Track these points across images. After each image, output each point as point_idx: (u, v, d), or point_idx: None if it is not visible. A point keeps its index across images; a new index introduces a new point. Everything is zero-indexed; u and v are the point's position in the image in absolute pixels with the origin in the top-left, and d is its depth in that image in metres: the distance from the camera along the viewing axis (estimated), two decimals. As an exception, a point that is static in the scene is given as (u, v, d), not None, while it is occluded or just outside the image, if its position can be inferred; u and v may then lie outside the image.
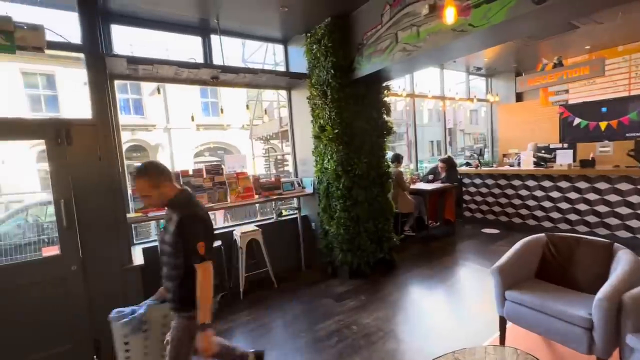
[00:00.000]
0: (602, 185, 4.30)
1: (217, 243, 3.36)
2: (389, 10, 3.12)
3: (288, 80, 4.08)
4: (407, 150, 6.83)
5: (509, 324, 2.20)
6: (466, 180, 5.92)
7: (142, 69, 3.10)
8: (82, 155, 2.44)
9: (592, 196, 4.41)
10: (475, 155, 6.22)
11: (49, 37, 2.29)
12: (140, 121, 12.74)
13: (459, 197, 5.87)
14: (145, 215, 2.98)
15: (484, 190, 5.69)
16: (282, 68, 4.45)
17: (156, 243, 3.13)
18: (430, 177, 5.59)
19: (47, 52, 2.27)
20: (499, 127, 7.07)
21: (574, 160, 4.77)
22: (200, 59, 3.63)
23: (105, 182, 2.53)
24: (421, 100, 6.66)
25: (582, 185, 4.48)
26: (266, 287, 3.58)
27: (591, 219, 4.45)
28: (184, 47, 4.06)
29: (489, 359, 1.52)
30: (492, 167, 5.91)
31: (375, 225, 3.77)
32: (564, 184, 4.67)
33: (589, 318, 1.69)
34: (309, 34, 3.79)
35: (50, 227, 3.11)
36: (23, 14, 2.25)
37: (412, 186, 5.18)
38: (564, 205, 4.70)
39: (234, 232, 3.55)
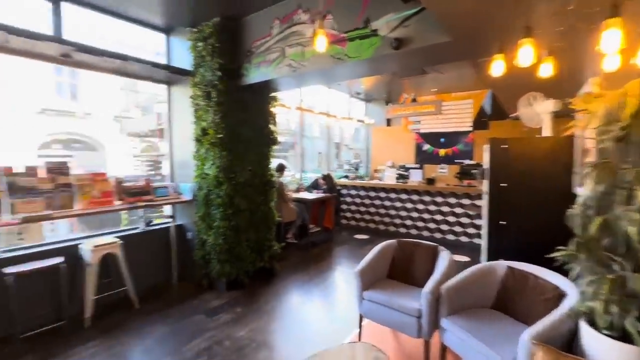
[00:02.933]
0: (438, 199, 5.48)
1: (55, 260, 2.70)
2: (278, 24, 3.22)
3: (168, 74, 3.68)
4: (295, 161, 7.10)
5: (366, 320, 2.51)
6: (344, 191, 6.58)
7: (-61, 24, 2.25)
8: None
9: (432, 207, 5.56)
10: (353, 169, 6.99)
11: None
12: (-57, 93, 9.23)
13: (337, 206, 6.47)
14: None
15: (357, 200, 6.43)
16: (160, 60, 3.99)
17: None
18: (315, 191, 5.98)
19: None
20: (373, 146, 8.17)
21: (423, 178, 5.92)
22: (48, 29, 2.90)
23: None
24: (311, 114, 7.09)
25: (427, 198, 5.60)
26: (124, 310, 3.07)
27: (431, 225, 5.59)
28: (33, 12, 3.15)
29: (343, 355, 1.69)
30: (365, 180, 6.75)
31: (256, 234, 3.75)
32: (415, 197, 5.73)
33: (419, 308, 2.09)
34: (195, 29, 3.54)
35: None
36: None
37: (297, 195, 5.41)
38: (414, 214, 5.76)
39: (82, 245, 2.92)
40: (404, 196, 5.86)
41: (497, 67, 1.51)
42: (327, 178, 5.91)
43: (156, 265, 3.63)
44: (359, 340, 2.46)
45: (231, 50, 3.44)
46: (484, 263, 2.37)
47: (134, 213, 3.94)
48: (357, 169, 7.04)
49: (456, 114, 6.96)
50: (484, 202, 3.11)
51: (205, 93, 3.45)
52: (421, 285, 2.36)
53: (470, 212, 5.17)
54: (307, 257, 4.81)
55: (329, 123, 7.40)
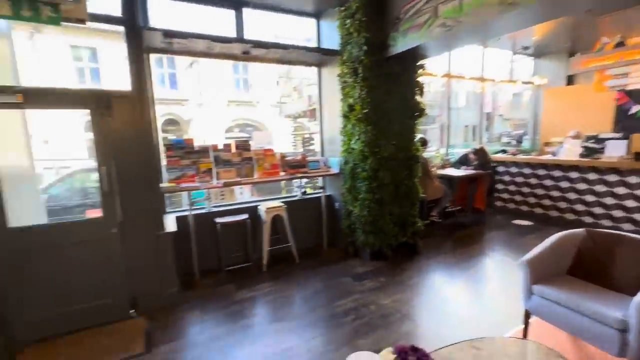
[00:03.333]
0: (656, 181, 3.92)
1: (244, 216, 3.49)
2: (428, -19, 2.90)
3: (319, 56, 3.98)
4: (439, 134, 6.53)
5: (532, 318, 2.13)
6: (500, 169, 5.62)
7: (176, 42, 3.15)
8: (122, 125, 2.57)
9: (643, 192, 4.04)
10: (514, 142, 5.85)
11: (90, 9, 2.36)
12: (175, 95, 13.15)
13: (491, 185, 5.61)
14: (177, 185, 3.13)
15: (519, 179, 5.38)
16: (311, 44, 4.34)
17: (187, 212, 3.31)
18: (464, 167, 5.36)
19: (89, 25, 2.36)
20: (544, 113, 6.54)
21: (627, 152, 4.34)
22: (231, 33, 3.63)
23: (142, 152, 2.67)
24: (458, 82, 6.27)
25: (632, 180, 4.10)
26: (288, 262, 3.69)
27: (639, 217, 4.09)
28: (214, 20, 4.03)
29: (508, 350, 1.49)
30: (530, 155, 5.54)
31: (400, 208, 3.72)
32: (611, 178, 4.30)
33: (624, 320, 1.58)
34: (342, 8, 3.64)
35: (94, 192, 3.37)
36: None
37: (442, 172, 5.01)
38: (607, 201, 4.35)
39: (259, 207, 3.65)
40: (591, 176, 4.49)
41: None
42: (480, 152, 5.16)
43: (310, 230, 4.16)
44: (524, 337, 2.11)
45: (377, 21, 3.37)
46: None
47: (289, 183, 4.62)
48: (520, 142, 5.84)
49: (701, 56, 4.65)
50: None
51: (352, 70, 3.55)
52: (625, 291, 1.79)
53: None
54: (453, 238, 4.45)
55: (482, 89, 6.36)
